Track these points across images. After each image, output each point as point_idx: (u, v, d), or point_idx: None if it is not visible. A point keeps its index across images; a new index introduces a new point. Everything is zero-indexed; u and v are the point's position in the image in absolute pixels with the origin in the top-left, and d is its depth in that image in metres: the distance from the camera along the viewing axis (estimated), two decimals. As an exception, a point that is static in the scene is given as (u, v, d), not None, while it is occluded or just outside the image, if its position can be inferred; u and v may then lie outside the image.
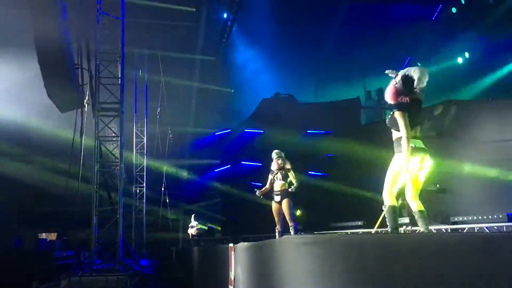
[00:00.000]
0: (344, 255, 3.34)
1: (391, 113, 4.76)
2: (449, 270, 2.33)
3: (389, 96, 4.81)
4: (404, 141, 4.53)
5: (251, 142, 19.50)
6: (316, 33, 20.59)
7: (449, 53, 18.62)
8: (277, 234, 8.55)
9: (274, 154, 8.66)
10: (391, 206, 4.77)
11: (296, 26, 20.28)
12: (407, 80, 4.66)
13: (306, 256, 3.79)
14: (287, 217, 8.33)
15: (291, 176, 8.49)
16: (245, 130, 20.09)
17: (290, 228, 8.32)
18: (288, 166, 8.59)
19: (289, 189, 8.37)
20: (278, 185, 8.50)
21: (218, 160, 22.16)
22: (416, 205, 4.62)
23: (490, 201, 10.57)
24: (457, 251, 2.32)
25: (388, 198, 4.78)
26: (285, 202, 8.33)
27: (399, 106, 4.68)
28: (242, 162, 19.89)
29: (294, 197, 8.48)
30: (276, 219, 8.55)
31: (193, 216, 17.73)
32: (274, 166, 8.64)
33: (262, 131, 19.14)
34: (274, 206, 8.52)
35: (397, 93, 4.73)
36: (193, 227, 17.43)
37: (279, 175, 8.52)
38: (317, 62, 20.60)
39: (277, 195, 8.46)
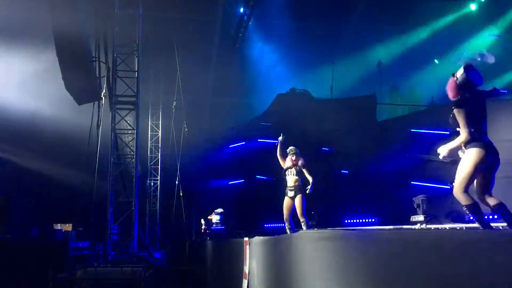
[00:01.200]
0: (362, 251, 3.31)
1: (452, 111, 4.53)
2: (473, 266, 2.30)
3: (450, 92, 4.59)
4: (461, 138, 4.44)
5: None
6: (332, 28, 20.47)
7: (469, 49, 18.38)
8: (287, 230, 8.43)
9: (289, 150, 8.61)
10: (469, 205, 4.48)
11: (312, 21, 20.17)
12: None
13: (323, 251, 3.76)
14: (299, 213, 8.24)
15: (306, 174, 8.42)
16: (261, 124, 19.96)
17: (302, 224, 8.25)
18: (301, 162, 8.53)
19: (306, 191, 8.29)
20: (291, 181, 8.43)
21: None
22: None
23: (507, 200, 10.41)
24: (481, 247, 2.29)
25: (463, 198, 4.47)
26: (298, 198, 8.26)
27: (457, 103, 4.49)
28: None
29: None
30: (285, 215, 8.40)
31: (219, 210, 16.53)
32: (288, 163, 8.59)
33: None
34: (286, 201, 8.42)
35: (459, 88, 4.52)
36: (212, 219, 16.43)
37: (293, 171, 8.47)
38: (333, 57, 20.44)
39: (290, 190, 8.38)
